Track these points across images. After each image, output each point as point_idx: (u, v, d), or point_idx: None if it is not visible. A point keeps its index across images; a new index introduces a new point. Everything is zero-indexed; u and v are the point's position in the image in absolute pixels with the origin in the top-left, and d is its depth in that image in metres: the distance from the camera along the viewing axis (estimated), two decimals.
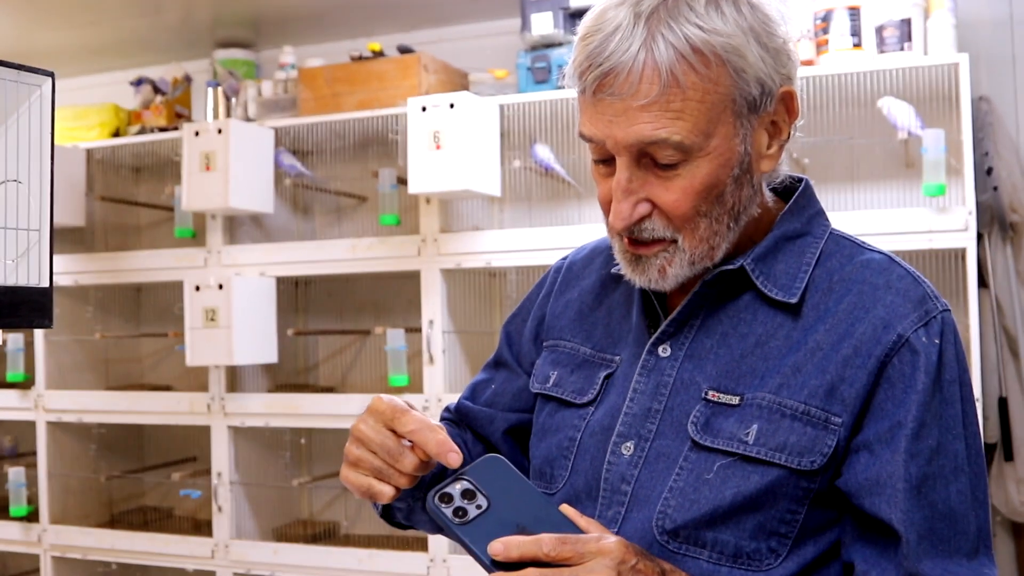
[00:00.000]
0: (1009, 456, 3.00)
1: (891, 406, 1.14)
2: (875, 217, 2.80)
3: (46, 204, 1.23)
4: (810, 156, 3.05)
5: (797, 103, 1.21)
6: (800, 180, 1.31)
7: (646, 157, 1.15)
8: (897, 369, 1.15)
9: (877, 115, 2.92)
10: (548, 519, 1.08)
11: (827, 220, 1.30)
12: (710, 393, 1.20)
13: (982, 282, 2.97)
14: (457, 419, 1.51)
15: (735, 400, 1.18)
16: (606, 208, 1.22)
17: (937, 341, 1.16)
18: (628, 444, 1.23)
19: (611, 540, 1.05)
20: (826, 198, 1.33)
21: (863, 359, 1.15)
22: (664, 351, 1.26)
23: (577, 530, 1.09)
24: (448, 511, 1.07)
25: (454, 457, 1.13)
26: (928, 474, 1.13)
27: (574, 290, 1.44)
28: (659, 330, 1.27)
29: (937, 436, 1.14)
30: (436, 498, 1.08)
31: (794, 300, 1.21)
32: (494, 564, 1.04)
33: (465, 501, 1.08)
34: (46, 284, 1.22)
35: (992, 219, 2.99)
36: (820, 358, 1.17)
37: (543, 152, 3.21)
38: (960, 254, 2.79)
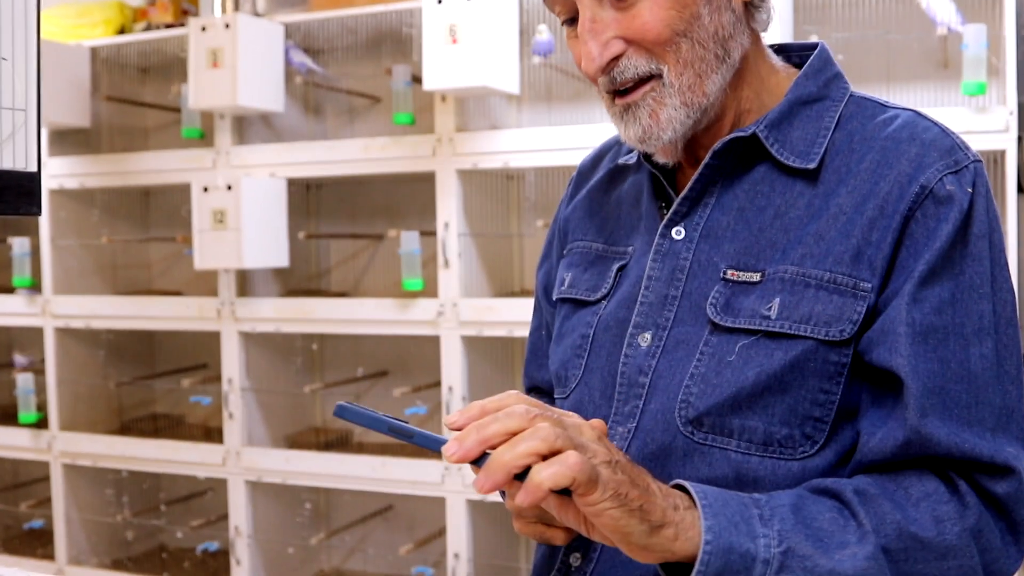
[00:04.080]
0: None
1: (912, 261, 1.06)
2: None
3: (32, 82, 1.14)
4: (844, 52, 2.93)
5: None
6: (815, 47, 1.23)
7: None
8: (920, 223, 1.07)
9: (915, 9, 2.79)
10: None
11: (846, 83, 1.21)
12: (729, 272, 1.13)
13: (1021, 187, 2.87)
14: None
15: (756, 277, 1.11)
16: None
17: (969, 190, 1.07)
18: (645, 335, 1.16)
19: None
20: None
21: (888, 219, 1.07)
22: (678, 233, 1.18)
23: None
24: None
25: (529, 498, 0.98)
26: (938, 326, 1.04)
27: (583, 190, 1.38)
28: (671, 210, 1.19)
29: (952, 289, 1.05)
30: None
31: (812, 165, 1.13)
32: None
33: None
34: (34, 168, 1.14)
35: None
36: (843, 222, 1.09)
37: (545, 38, 3.06)
38: (999, 156, 2.68)
